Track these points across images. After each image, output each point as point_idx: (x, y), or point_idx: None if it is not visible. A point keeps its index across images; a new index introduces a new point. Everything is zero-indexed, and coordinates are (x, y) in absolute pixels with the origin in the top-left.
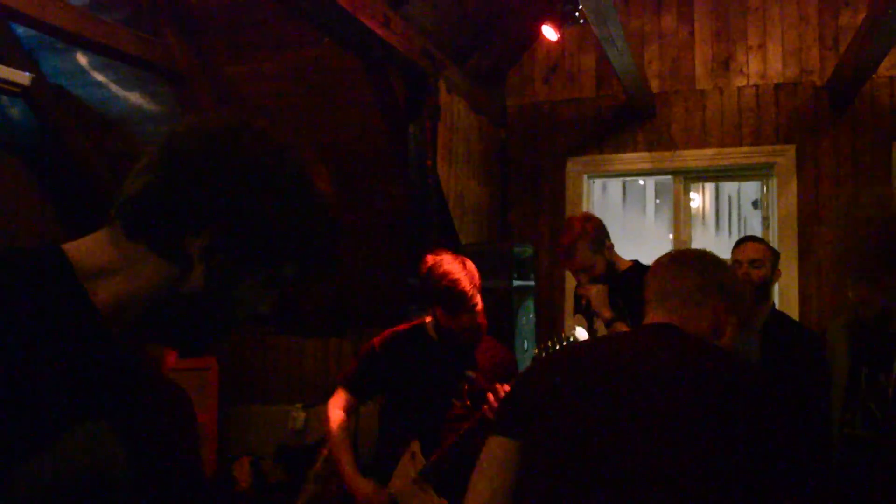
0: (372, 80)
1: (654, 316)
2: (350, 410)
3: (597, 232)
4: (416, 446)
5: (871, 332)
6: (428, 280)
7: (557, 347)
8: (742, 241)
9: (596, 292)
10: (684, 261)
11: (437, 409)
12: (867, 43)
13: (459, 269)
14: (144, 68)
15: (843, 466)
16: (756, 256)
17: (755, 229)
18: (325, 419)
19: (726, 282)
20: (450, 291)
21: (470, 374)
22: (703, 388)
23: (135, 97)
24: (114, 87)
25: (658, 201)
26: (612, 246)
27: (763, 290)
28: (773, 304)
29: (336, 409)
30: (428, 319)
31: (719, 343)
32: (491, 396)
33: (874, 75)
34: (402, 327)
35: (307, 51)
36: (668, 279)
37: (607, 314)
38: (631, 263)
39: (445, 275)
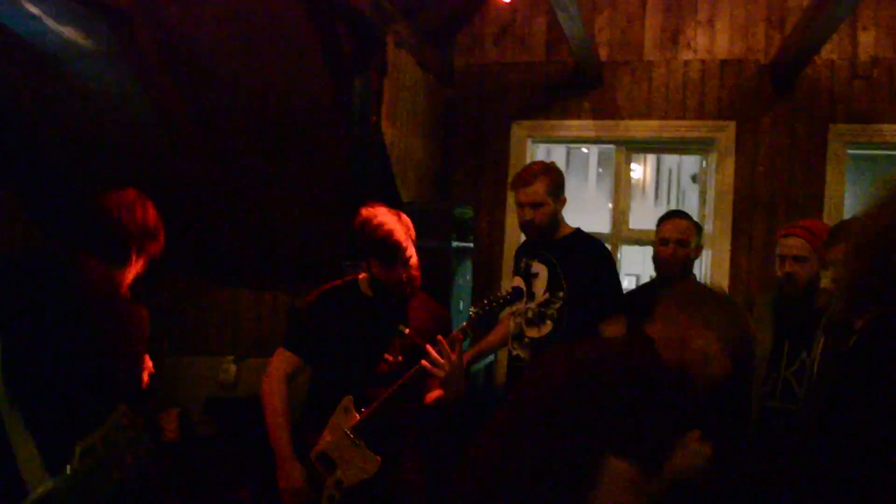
0: (318, 30)
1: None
2: (293, 374)
3: (559, 178)
4: (348, 401)
5: (796, 307)
6: (363, 232)
7: (491, 307)
8: (668, 217)
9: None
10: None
11: (370, 365)
12: (812, 25)
13: (395, 221)
14: (81, 2)
15: (761, 437)
16: (682, 237)
17: (693, 203)
18: (264, 390)
19: None
20: (385, 242)
21: (402, 328)
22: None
23: (69, 32)
24: (48, 21)
25: (601, 170)
26: (564, 201)
27: (688, 267)
28: (695, 277)
29: (277, 380)
30: (362, 276)
31: None
32: (430, 349)
33: (816, 57)
34: (335, 283)
35: None
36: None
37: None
38: (572, 230)
39: (380, 226)
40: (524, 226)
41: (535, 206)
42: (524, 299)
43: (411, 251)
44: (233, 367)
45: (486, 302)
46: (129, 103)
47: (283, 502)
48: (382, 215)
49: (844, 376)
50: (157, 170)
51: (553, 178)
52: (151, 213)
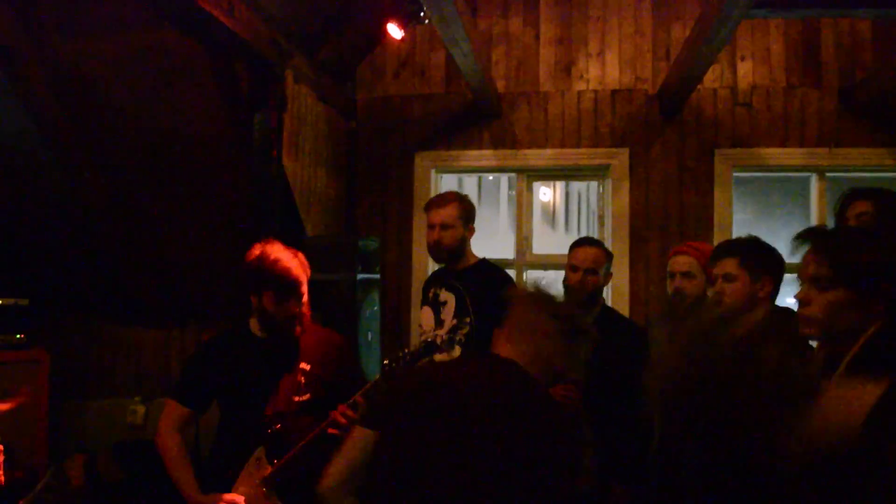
0: (215, 67)
1: (503, 348)
2: (186, 422)
3: (471, 208)
4: (261, 452)
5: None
6: (259, 266)
7: (405, 360)
8: (579, 245)
9: None
10: (543, 304)
11: (270, 405)
12: (692, 56)
13: (291, 258)
14: None
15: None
16: (592, 266)
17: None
18: (157, 443)
19: (572, 330)
20: (283, 277)
21: (304, 366)
22: (514, 424)
23: None
24: None
25: (512, 193)
26: (473, 231)
27: (597, 294)
28: (603, 301)
29: (168, 431)
30: (251, 319)
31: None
32: (335, 414)
33: (700, 86)
34: (224, 330)
35: (149, 34)
36: (525, 319)
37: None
38: (478, 260)
39: (277, 261)
40: (432, 246)
41: (445, 227)
42: (434, 327)
43: (305, 288)
44: (141, 409)
45: (400, 355)
46: (22, 141)
47: None
48: (280, 251)
49: None
50: (53, 209)
51: (465, 207)
52: None
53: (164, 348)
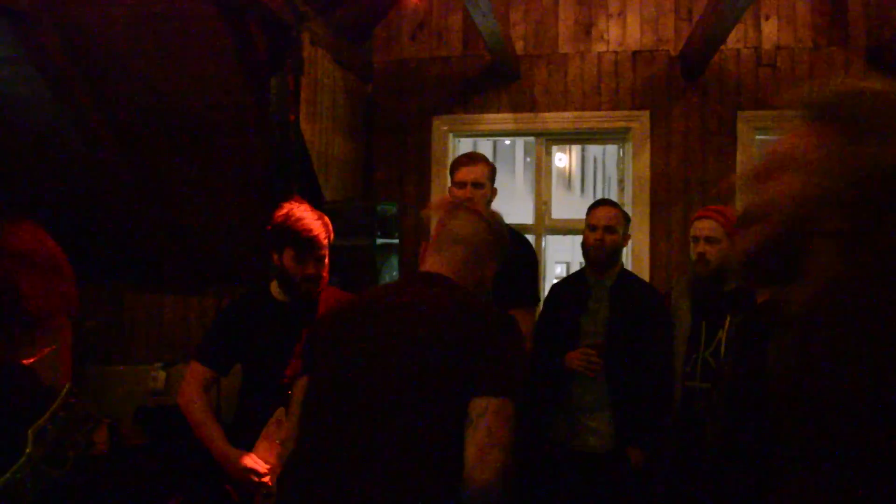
0: (231, 30)
1: (429, 258)
2: (209, 384)
3: (495, 169)
4: (281, 413)
5: (709, 288)
6: (283, 223)
7: None
8: (596, 206)
9: None
10: (469, 217)
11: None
12: (716, 16)
13: (316, 219)
14: None
15: (684, 418)
16: (611, 223)
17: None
18: (182, 405)
19: (499, 244)
20: (303, 235)
21: None
22: (440, 330)
23: None
24: None
25: (528, 159)
26: (496, 192)
27: (615, 254)
28: (622, 265)
29: (192, 391)
30: (272, 283)
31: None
32: None
33: (723, 47)
34: (246, 292)
35: None
36: (450, 231)
37: None
38: None
39: (300, 219)
40: None
41: (477, 185)
42: None
43: (326, 251)
44: (162, 374)
45: None
46: (39, 108)
47: (246, 492)
48: (305, 212)
49: (746, 352)
50: (72, 176)
51: (492, 167)
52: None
53: (183, 314)
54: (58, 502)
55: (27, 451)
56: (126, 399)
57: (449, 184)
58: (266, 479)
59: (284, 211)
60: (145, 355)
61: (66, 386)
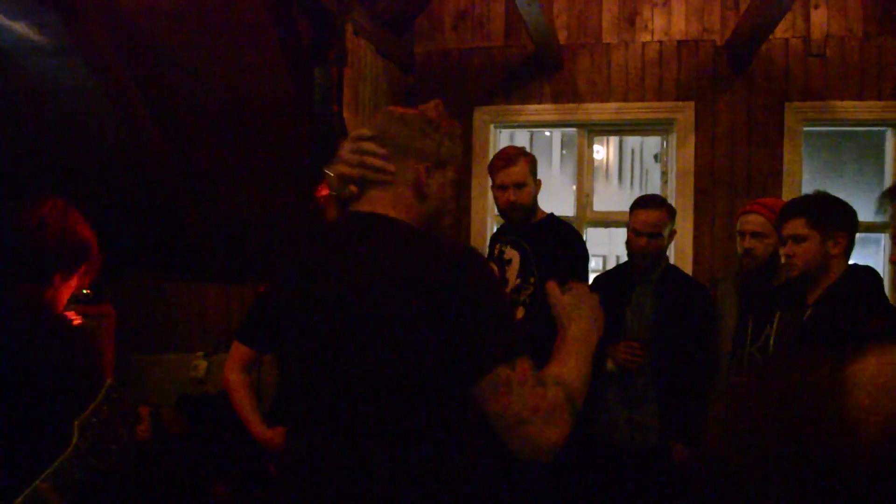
0: (276, 19)
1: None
2: (250, 365)
3: (535, 161)
4: None
5: (757, 283)
6: (324, 207)
7: None
8: (640, 206)
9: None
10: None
11: None
12: (765, 4)
13: None
14: None
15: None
16: (656, 231)
17: (656, 182)
18: (225, 385)
19: (418, 142)
20: None
21: None
22: (392, 282)
23: (21, 27)
24: None
25: (564, 152)
26: (540, 184)
27: (660, 257)
28: (666, 260)
29: (232, 373)
30: None
31: (426, 203)
32: None
33: (771, 37)
34: None
35: None
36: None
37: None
38: (546, 215)
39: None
40: (508, 208)
41: (519, 186)
42: None
43: None
44: (203, 363)
45: None
46: (85, 99)
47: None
48: None
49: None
50: (117, 166)
51: (532, 160)
52: (74, 228)
53: (225, 304)
54: (103, 491)
55: (73, 441)
56: (168, 387)
57: (490, 184)
58: None
59: (326, 192)
60: (187, 345)
61: (108, 381)
